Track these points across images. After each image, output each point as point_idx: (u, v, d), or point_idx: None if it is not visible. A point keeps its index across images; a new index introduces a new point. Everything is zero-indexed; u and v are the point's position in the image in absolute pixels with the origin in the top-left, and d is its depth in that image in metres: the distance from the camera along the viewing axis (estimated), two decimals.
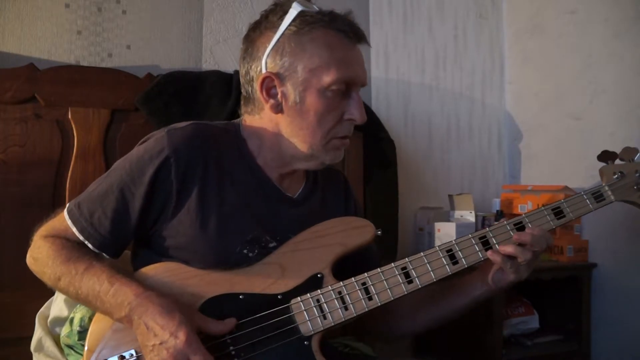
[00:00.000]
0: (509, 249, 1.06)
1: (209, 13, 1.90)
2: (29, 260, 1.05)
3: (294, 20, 1.05)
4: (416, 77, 2.24)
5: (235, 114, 1.62)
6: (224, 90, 1.73)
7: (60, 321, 1.16)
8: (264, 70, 1.06)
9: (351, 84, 1.07)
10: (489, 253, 1.07)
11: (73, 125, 1.58)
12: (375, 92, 2.15)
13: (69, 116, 1.58)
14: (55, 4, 1.70)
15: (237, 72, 1.76)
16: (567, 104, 2.10)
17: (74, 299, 1.02)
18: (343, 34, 1.06)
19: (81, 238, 1.03)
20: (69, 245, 1.02)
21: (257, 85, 1.07)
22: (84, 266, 0.99)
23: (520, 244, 1.07)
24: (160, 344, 0.90)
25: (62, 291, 1.03)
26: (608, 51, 1.96)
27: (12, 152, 1.51)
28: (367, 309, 1.02)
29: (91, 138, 1.60)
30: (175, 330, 0.90)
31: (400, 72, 2.21)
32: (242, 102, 1.15)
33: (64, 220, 1.04)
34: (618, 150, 1.24)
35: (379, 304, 1.03)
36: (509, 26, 2.39)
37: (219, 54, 1.90)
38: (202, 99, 1.73)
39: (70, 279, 0.99)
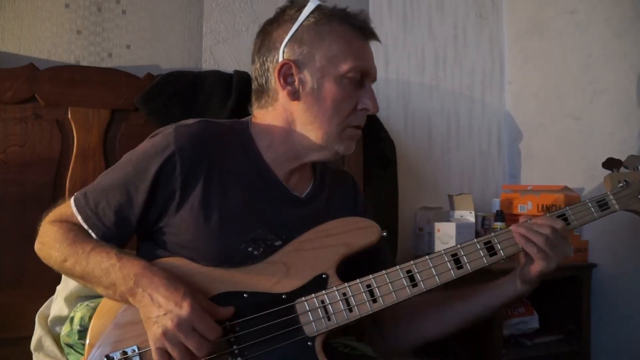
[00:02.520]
0: (520, 229, 1.09)
1: (209, 13, 1.90)
2: (36, 246, 1.06)
3: (312, 12, 1.09)
4: (416, 76, 2.24)
5: (235, 113, 1.62)
6: (224, 90, 1.73)
7: (60, 320, 1.17)
8: (281, 59, 1.08)
9: (365, 75, 1.11)
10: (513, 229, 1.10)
11: (73, 125, 1.58)
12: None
13: (69, 116, 1.58)
14: (55, 4, 1.69)
15: (237, 72, 1.76)
16: (567, 104, 2.11)
17: (78, 278, 1.02)
18: (358, 29, 1.11)
19: (85, 226, 1.03)
20: (75, 229, 1.03)
21: (274, 74, 1.09)
22: (91, 246, 0.99)
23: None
24: (165, 314, 0.90)
25: (67, 272, 1.03)
26: (608, 51, 1.96)
27: (11, 152, 1.51)
28: (371, 311, 1.01)
29: (91, 138, 1.59)
30: (180, 300, 0.90)
31: (400, 71, 2.21)
32: (253, 98, 1.16)
33: (70, 207, 1.05)
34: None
35: (384, 307, 1.02)
36: (509, 26, 2.39)
37: (219, 54, 1.90)
38: (202, 99, 1.72)
39: (76, 258, 0.99)
